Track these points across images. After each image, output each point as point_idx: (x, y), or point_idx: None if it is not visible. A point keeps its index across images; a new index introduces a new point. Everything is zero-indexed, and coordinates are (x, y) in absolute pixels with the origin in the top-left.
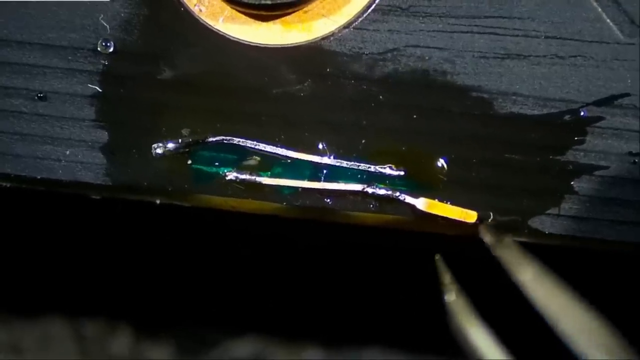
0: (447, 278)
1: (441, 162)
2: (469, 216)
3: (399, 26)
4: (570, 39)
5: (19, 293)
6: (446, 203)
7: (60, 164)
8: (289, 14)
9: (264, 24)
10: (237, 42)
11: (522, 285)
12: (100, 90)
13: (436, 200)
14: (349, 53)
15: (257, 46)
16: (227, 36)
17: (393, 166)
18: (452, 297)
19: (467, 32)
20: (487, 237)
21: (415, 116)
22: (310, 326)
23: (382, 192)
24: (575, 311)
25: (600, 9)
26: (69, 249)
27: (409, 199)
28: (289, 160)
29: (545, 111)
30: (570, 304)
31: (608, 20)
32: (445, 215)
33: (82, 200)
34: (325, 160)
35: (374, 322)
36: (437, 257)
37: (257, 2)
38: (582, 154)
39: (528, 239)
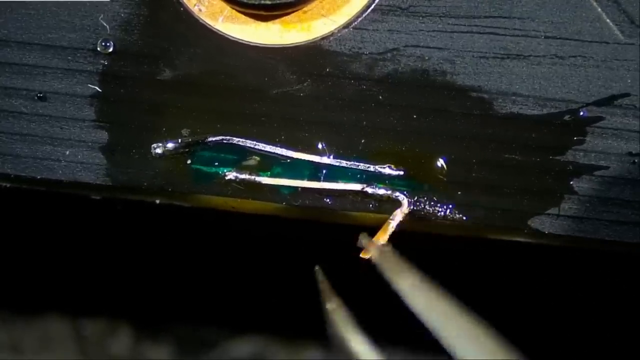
0: (326, 288)
1: (441, 162)
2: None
3: (398, 26)
4: (570, 39)
5: (19, 293)
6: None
7: (60, 164)
8: (289, 13)
9: (264, 23)
10: (236, 42)
11: (401, 293)
12: (100, 90)
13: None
14: (348, 53)
15: (256, 46)
16: (227, 36)
17: (393, 166)
18: (333, 306)
19: (467, 32)
20: (368, 247)
21: (415, 116)
22: (310, 326)
23: (381, 192)
24: (454, 318)
25: (600, 9)
26: (69, 249)
27: (403, 198)
28: (288, 160)
29: (545, 111)
30: (449, 311)
31: (608, 20)
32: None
33: (82, 200)
34: (325, 160)
35: (373, 322)
36: (317, 268)
37: (256, 2)
38: (582, 154)
39: (528, 239)
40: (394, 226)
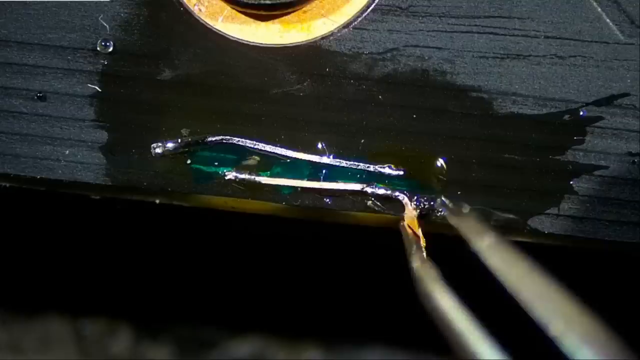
0: (412, 246)
1: (441, 162)
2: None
3: (398, 26)
4: (570, 39)
5: (19, 293)
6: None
7: (60, 164)
8: (289, 13)
9: (264, 23)
10: (236, 41)
11: (479, 254)
12: (100, 90)
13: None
14: (348, 53)
15: (256, 46)
16: (227, 36)
17: (392, 166)
18: (417, 263)
19: (467, 32)
20: (446, 207)
21: (415, 116)
22: (310, 326)
23: (381, 192)
24: (533, 279)
25: (600, 9)
26: (69, 249)
27: (407, 201)
28: (288, 160)
29: (545, 111)
30: (528, 272)
31: (608, 20)
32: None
33: (82, 200)
34: (325, 160)
35: (374, 322)
36: (402, 223)
37: (256, 2)
38: (582, 154)
39: (528, 239)
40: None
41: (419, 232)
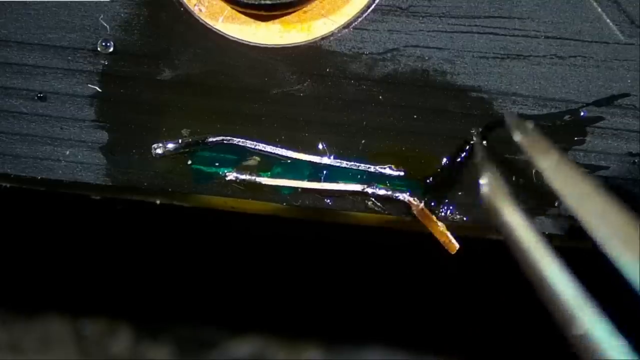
0: (483, 159)
1: (441, 162)
2: (451, 246)
3: (398, 26)
4: (570, 39)
5: (19, 293)
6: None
7: (60, 164)
8: (289, 14)
9: (264, 24)
10: (236, 42)
11: (542, 173)
12: (100, 91)
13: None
14: (348, 53)
15: (256, 46)
16: (227, 36)
17: (393, 166)
18: (485, 179)
19: (467, 32)
20: (510, 122)
21: (415, 116)
22: (310, 326)
23: (382, 192)
24: (594, 199)
25: (600, 9)
26: (69, 249)
27: (409, 198)
28: (288, 161)
29: (545, 111)
30: (589, 191)
31: (608, 20)
32: (430, 230)
33: (82, 200)
34: (325, 160)
35: (374, 322)
36: (473, 130)
37: (256, 2)
38: (582, 154)
39: None
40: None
41: (433, 219)
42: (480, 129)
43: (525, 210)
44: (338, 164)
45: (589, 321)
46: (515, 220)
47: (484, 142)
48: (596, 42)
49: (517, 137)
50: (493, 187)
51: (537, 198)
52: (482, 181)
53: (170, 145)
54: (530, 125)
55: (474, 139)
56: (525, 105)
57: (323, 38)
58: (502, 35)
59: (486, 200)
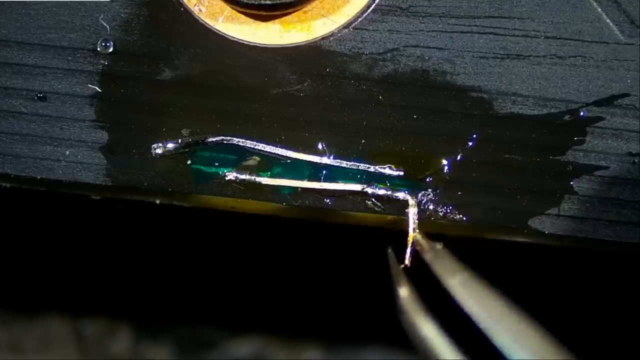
0: (398, 273)
1: (441, 162)
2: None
3: (398, 26)
4: (570, 39)
5: (19, 293)
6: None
7: (60, 164)
8: (289, 14)
9: (264, 24)
10: (236, 42)
11: (450, 290)
12: (100, 91)
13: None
14: (348, 53)
15: (256, 46)
16: (227, 36)
17: (393, 166)
18: (405, 292)
19: (467, 32)
20: (420, 243)
21: (415, 116)
22: (310, 326)
23: (381, 192)
24: (504, 315)
25: (600, 9)
26: (69, 249)
27: (407, 197)
28: (288, 161)
29: (545, 111)
30: (499, 308)
31: (608, 21)
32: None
33: (82, 200)
34: (325, 160)
35: (374, 322)
36: (389, 250)
37: (256, 2)
38: (582, 154)
39: (528, 239)
40: (413, 225)
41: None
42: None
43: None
44: (338, 164)
45: None
46: (430, 333)
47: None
48: (596, 42)
49: (426, 256)
50: (409, 301)
51: (537, 199)
52: (399, 295)
53: (170, 145)
54: (439, 245)
55: (389, 255)
56: (525, 105)
57: (323, 38)
58: (502, 35)
59: (402, 314)
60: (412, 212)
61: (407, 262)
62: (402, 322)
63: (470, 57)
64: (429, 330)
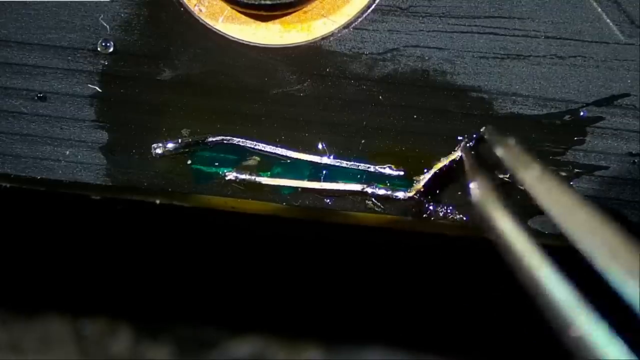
0: (472, 164)
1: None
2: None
3: (398, 26)
4: (570, 39)
5: (19, 293)
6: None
7: (60, 164)
8: (289, 14)
9: (264, 24)
10: (236, 42)
11: (526, 186)
12: (100, 91)
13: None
14: (348, 53)
15: (256, 46)
16: (227, 36)
17: (393, 166)
18: (477, 184)
19: (467, 32)
20: (491, 138)
21: (415, 116)
22: (310, 326)
23: (381, 192)
24: (579, 211)
25: (600, 9)
26: (69, 249)
27: (407, 196)
28: (288, 161)
29: (545, 111)
30: (574, 204)
31: (608, 21)
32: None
33: (82, 200)
34: (325, 160)
35: (374, 322)
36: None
37: (256, 2)
38: (582, 154)
39: None
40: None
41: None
42: (468, 141)
43: (516, 213)
44: (338, 164)
45: (585, 323)
46: (507, 226)
47: (473, 152)
48: (596, 42)
49: (500, 152)
50: (483, 193)
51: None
52: (472, 186)
53: (170, 145)
54: (511, 140)
55: (463, 147)
56: (525, 105)
57: (323, 38)
58: (502, 35)
59: (477, 206)
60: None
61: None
62: (478, 214)
63: (470, 57)
64: (504, 221)
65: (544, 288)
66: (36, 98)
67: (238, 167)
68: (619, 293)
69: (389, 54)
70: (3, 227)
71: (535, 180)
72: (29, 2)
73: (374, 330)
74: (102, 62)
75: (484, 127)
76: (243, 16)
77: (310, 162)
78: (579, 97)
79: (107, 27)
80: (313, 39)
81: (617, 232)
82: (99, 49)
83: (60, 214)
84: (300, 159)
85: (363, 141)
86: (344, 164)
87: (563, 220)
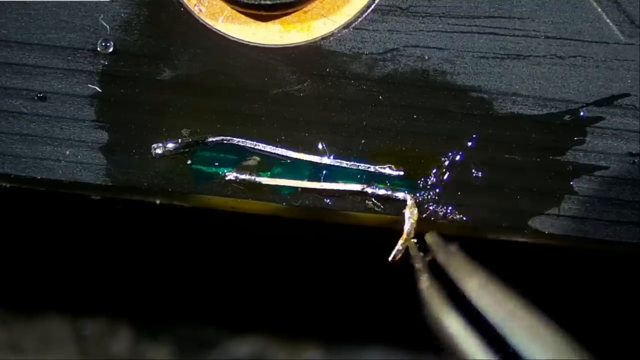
0: (420, 264)
1: (441, 162)
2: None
3: (398, 26)
4: (570, 39)
5: (19, 293)
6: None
7: (60, 164)
8: (289, 14)
9: (264, 24)
10: (236, 42)
11: (467, 293)
12: (100, 91)
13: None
14: (348, 53)
15: (256, 46)
16: (227, 36)
17: (393, 166)
18: (425, 283)
19: (467, 32)
20: (435, 245)
21: (415, 116)
22: (310, 326)
23: (381, 192)
24: (519, 317)
25: (600, 9)
26: (69, 248)
27: (407, 197)
28: (288, 161)
29: (545, 111)
30: (514, 310)
31: (608, 21)
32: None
33: (82, 200)
34: (325, 160)
35: (374, 322)
36: (404, 240)
37: (256, 2)
38: (582, 154)
39: (528, 239)
40: (409, 226)
41: (407, 237)
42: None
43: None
44: (338, 164)
45: None
46: (455, 327)
47: (421, 253)
48: (596, 42)
49: (442, 258)
50: (430, 292)
51: (537, 199)
52: (421, 287)
53: (170, 145)
54: (453, 247)
55: (410, 247)
56: (525, 105)
57: (323, 38)
58: (502, 35)
59: (425, 305)
60: (408, 213)
61: (391, 258)
62: (426, 314)
63: (470, 57)
64: (452, 322)
65: None
66: (36, 98)
67: (238, 167)
68: None
69: (389, 54)
70: (3, 227)
71: (476, 288)
72: (29, 2)
73: (374, 330)
74: (102, 62)
75: (427, 234)
76: (243, 16)
77: (310, 162)
78: (579, 97)
79: (107, 27)
80: (313, 39)
81: (560, 338)
82: (99, 49)
83: (60, 214)
84: (300, 159)
85: (363, 141)
86: (344, 164)
87: (504, 326)
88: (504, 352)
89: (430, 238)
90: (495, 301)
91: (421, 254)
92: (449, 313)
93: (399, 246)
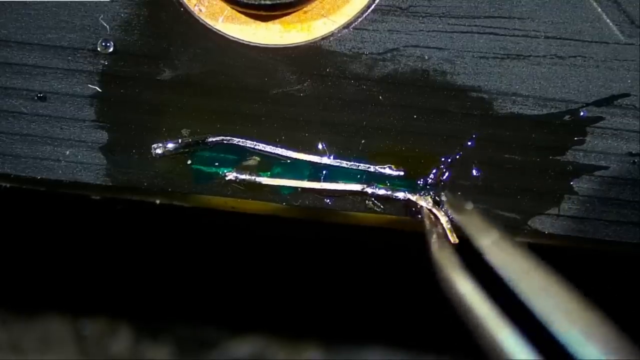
0: (432, 230)
1: (441, 162)
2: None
3: (398, 26)
4: (570, 39)
5: (19, 293)
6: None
7: (60, 164)
8: (289, 14)
9: (264, 24)
10: (236, 42)
11: (482, 251)
12: (100, 91)
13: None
14: (348, 53)
15: (256, 46)
16: (227, 36)
17: (393, 166)
18: (436, 246)
19: (467, 32)
20: (449, 203)
21: (415, 116)
22: (310, 326)
23: (381, 192)
24: (536, 276)
25: (600, 9)
26: (69, 248)
27: (410, 197)
28: (288, 161)
29: (545, 111)
30: (531, 269)
31: (608, 21)
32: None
33: (82, 200)
34: (325, 160)
35: (373, 322)
36: (423, 206)
37: (256, 2)
38: (582, 154)
39: (528, 239)
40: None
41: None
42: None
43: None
44: (338, 164)
45: None
46: (467, 290)
47: (434, 209)
48: (596, 42)
49: (457, 217)
50: (441, 252)
51: (537, 199)
52: (432, 249)
53: (170, 145)
54: (469, 205)
55: (426, 210)
56: (525, 105)
57: (323, 38)
58: (502, 35)
59: (435, 262)
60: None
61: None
62: (437, 277)
63: (470, 57)
64: (464, 285)
65: (502, 350)
66: (36, 98)
67: (238, 167)
68: (573, 356)
69: (389, 54)
70: (3, 227)
71: (491, 245)
72: (29, 2)
73: (374, 330)
74: (102, 62)
75: (443, 192)
76: (243, 16)
77: (310, 162)
78: (579, 97)
79: (107, 27)
80: (313, 39)
81: (574, 297)
82: (99, 49)
83: (60, 214)
84: (300, 159)
85: (363, 141)
86: (344, 164)
87: (519, 284)
88: (518, 318)
89: (445, 196)
90: (511, 259)
91: (432, 215)
92: (461, 275)
93: (447, 228)
